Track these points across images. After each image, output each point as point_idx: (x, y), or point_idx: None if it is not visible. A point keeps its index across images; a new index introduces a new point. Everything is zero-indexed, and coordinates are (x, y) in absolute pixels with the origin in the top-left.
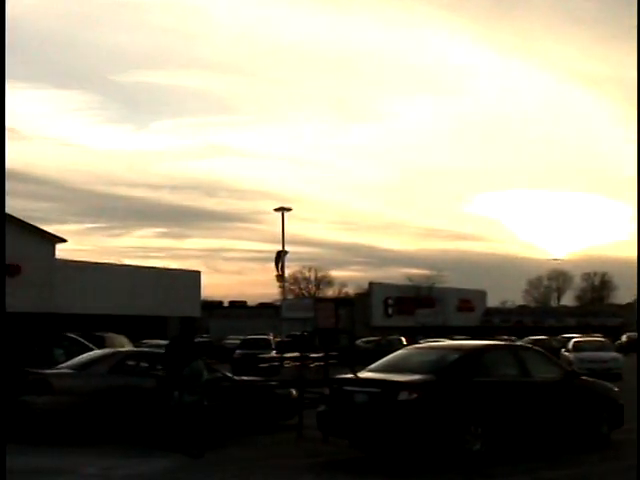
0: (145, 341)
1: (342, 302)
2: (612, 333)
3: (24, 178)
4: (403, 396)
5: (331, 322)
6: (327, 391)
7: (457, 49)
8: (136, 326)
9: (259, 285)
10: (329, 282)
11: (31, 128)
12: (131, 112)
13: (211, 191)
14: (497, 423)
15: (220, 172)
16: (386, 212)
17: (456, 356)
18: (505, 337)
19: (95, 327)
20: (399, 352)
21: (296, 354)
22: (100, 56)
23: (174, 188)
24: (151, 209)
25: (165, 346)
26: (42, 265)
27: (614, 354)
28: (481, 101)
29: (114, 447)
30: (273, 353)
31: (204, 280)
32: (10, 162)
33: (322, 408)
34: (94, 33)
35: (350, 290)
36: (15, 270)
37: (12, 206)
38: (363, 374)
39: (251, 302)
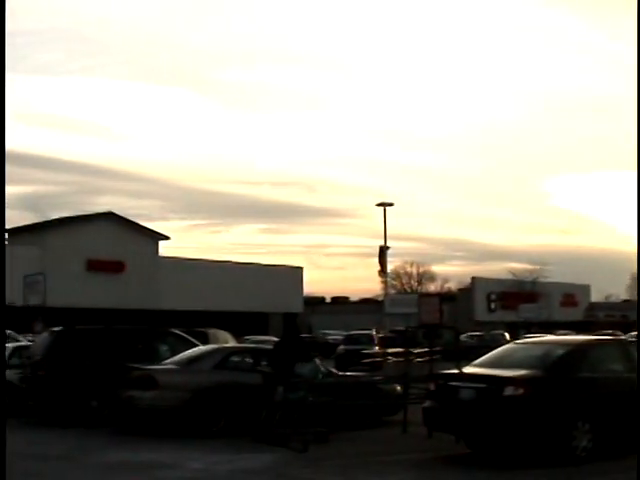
0: (248, 337)
1: (445, 297)
2: None
3: (127, 177)
4: (509, 391)
5: (435, 317)
6: (432, 387)
7: (537, 20)
8: (238, 322)
9: (361, 280)
10: (431, 277)
11: (133, 127)
12: (230, 109)
13: (312, 187)
14: (604, 419)
15: (320, 168)
16: (486, 206)
17: (562, 351)
18: (609, 332)
19: (197, 323)
20: (504, 347)
21: (399, 349)
22: (198, 53)
23: (275, 184)
24: (252, 205)
25: (274, 343)
26: (145, 262)
27: None
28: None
29: (219, 442)
30: (376, 349)
31: (306, 276)
32: (112, 161)
33: (427, 404)
34: (191, 31)
35: (452, 285)
36: (119, 267)
37: (115, 204)
38: (468, 369)
39: (353, 297)
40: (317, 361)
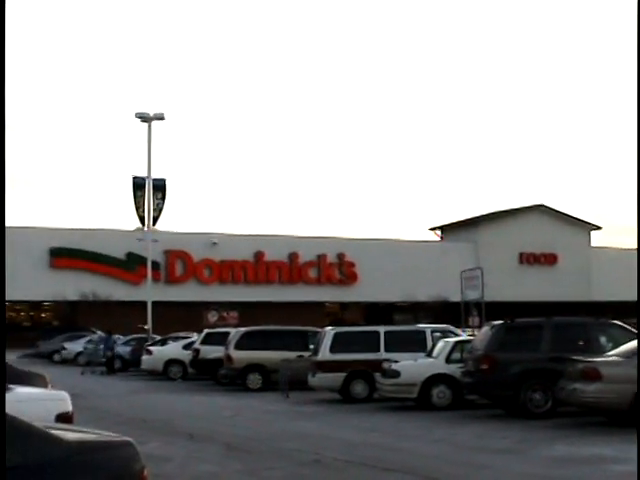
0: None
1: None
2: None
3: None
4: None
5: None
6: None
7: None
8: None
9: None
10: None
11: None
12: None
13: None
14: None
15: None
16: None
17: None
18: None
19: (632, 314)
20: None
21: None
22: None
23: None
24: None
25: None
26: (578, 253)
27: None
28: None
29: None
30: None
31: None
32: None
33: None
34: None
35: None
36: (552, 259)
37: (550, 198)
38: None
39: None
40: None
